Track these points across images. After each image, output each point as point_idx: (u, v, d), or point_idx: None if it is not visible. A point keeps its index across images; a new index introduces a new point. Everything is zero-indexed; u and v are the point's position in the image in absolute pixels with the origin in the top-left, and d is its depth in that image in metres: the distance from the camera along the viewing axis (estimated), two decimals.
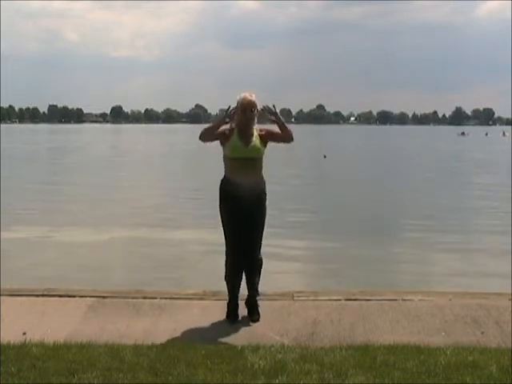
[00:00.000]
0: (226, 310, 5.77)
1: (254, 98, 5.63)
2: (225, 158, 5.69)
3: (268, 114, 5.65)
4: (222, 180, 5.72)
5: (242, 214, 5.55)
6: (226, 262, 5.73)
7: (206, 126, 5.75)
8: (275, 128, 5.77)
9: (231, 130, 5.64)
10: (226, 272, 5.76)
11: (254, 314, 5.72)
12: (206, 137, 5.66)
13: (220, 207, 5.70)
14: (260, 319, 5.63)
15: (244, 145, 5.58)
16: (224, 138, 5.64)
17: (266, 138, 5.70)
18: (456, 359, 4.55)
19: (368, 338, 5.15)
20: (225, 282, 5.81)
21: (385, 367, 4.40)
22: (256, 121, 5.68)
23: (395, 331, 5.36)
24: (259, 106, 5.64)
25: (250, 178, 5.59)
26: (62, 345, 4.87)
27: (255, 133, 5.65)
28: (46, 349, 4.74)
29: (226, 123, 5.63)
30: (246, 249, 5.64)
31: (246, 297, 5.83)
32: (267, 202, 5.74)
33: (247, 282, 5.79)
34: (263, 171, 5.76)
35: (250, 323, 5.60)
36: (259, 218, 5.65)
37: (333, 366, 4.41)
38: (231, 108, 5.59)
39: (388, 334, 5.26)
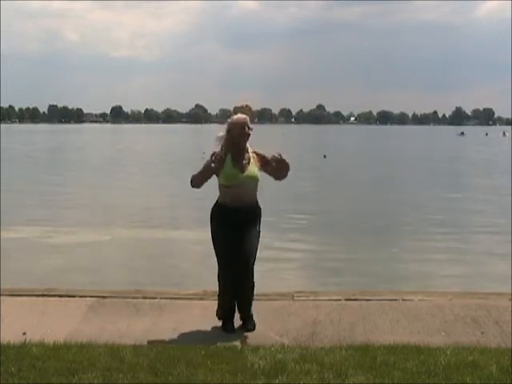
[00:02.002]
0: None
1: (246, 119, 5.43)
2: (220, 186, 5.46)
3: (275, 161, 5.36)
4: (214, 205, 5.50)
5: (235, 237, 5.30)
6: (219, 279, 5.50)
7: (194, 174, 5.42)
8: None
9: (223, 156, 5.33)
10: (219, 289, 5.55)
11: (248, 324, 5.50)
12: (197, 183, 5.41)
13: (212, 231, 5.46)
14: (260, 319, 5.62)
15: (239, 171, 5.34)
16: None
17: (260, 162, 5.43)
18: (456, 359, 4.55)
19: (368, 338, 5.15)
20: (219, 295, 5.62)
21: (385, 367, 4.40)
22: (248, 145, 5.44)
23: (395, 331, 5.36)
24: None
25: (245, 203, 5.37)
26: (62, 345, 4.87)
27: (249, 155, 5.40)
28: (46, 349, 4.74)
29: (213, 168, 5.28)
30: (239, 268, 5.36)
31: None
32: (261, 226, 5.51)
33: (239, 305, 5.55)
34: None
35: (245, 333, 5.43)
36: (252, 240, 5.39)
37: (333, 366, 4.41)
38: (216, 152, 5.31)
39: (388, 334, 5.26)
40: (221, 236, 5.38)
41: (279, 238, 13.05)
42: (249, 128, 5.41)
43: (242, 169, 5.35)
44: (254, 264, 5.45)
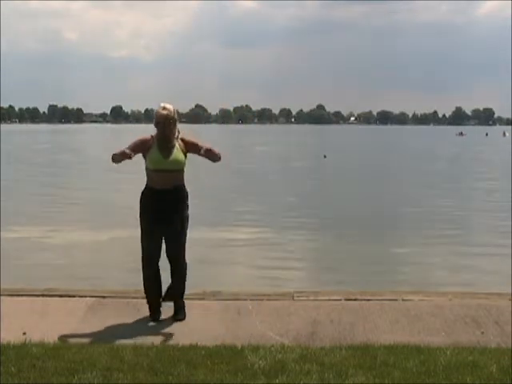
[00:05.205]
0: (226, 310, 5.82)
1: (168, 110, 5.54)
2: (146, 169, 5.72)
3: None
4: (144, 188, 5.79)
5: (162, 221, 5.71)
6: (143, 268, 6.00)
7: (115, 153, 5.65)
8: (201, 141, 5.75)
9: (152, 140, 5.61)
10: (143, 279, 6.02)
11: (179, 314, 5.76)
12: (116, 161, 5.65)
13: (140, 214, 5.85)
14: (260, 319, 5.62)
15: (164, 157, 5.56)
16: (145, 150, 5.62)
17: (189, 149, 5.65)
18: (456, 359, 4.55)
19: (368, 338, 5.15)
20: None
21: (385, 367, 4.40)
22: (176, 132, 5.59)
23: (395, 331, 5.36)
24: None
25: (171, 187, 5.64)
26: (62, 345, 4.87)
27: (176, 144, 5.59)
28: (46, 349, 4.74)
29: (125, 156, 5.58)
30: (169, 256, 5.91)
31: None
32: (189, 211, 5.88)
33: (173, 288, 5.94)
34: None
35: (176, 322, 5.65)
36: (180, 224, 5.75)
37: (333, 366, 4.41)
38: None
39: (388, 334, 5.26)
40: (146, 219, 5.80)
41: (279, 238, 13.06)
42: (165, 124, 5.52)
43: (167, 155, 5.57)
44: (184, 248, 5.85)
